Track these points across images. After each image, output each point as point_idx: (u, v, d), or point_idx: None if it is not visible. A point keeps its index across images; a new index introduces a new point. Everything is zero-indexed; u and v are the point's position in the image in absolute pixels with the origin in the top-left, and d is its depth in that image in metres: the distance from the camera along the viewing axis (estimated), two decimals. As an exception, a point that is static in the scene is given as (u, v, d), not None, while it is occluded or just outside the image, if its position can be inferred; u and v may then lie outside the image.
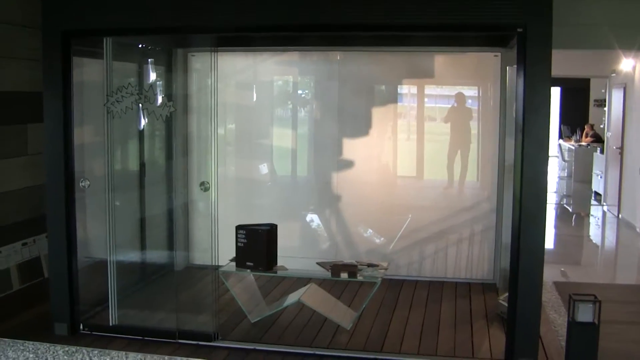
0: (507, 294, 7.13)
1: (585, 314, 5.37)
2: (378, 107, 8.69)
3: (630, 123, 12.91)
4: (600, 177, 15.33)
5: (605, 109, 15.66)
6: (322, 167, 8.80)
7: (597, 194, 15.75)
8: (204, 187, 6.57)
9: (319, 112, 8.85)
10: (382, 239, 8.66)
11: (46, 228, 6.68)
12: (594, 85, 19.00)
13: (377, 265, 6.64)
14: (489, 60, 8.18)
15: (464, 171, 8.53)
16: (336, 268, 6.46)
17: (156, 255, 8.62)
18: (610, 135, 14.45)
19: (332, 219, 8.77)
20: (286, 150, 9.08)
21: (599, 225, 13.70)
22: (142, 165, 8.18)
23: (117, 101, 6.14)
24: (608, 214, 14.02)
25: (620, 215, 13.28)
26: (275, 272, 6.57)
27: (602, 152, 15.64)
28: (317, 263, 6.79)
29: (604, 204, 14.68)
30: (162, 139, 8.56)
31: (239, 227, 6.55)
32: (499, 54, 8.04)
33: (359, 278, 6.42)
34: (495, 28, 5.95)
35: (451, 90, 8.67)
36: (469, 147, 8.49)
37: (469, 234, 8.44)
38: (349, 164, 8.63)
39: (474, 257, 8.45)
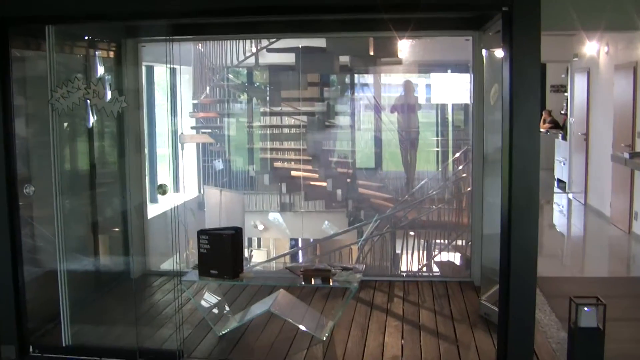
0: (489, 293, 6.75)
1: (589, 318, 4.94)
2: (340, 96, 8.21)
3: (596, 108, 12.62)
4: (564, 164, 15.07)
5: (566, 94, 15.39)
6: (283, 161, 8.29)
7: (560, 181, 15.50)
8: (162, 189, 6.01)
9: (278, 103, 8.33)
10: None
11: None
12: (550, 70, 18.71)
13: (351, 269, 6.16)
14: (459, 44, 7.73)
15: (413, 162, 8.11)
16: (308, 273, 5.97)
17: (111, 262, 8.05)
18: (574, 122, 14.17)
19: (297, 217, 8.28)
20: (242, 143, 8.54)
21: (564, 214, 13.42)
22: (92, 165, 7.56)
23: (63, 97, 5.51)
24: (574, 202, 13.75)
25: (587, 203, 13.00)
26: (242, 280, 6.04)
27: (564, 138, 15.37)
28: (287, 268, 6.30)
29: (569, 191, 14.42)
30: (114, 136, 7.96)
31: (201, 232, 6.01)
32: (470, 37, 7.60)
33: (333, 284, 5.93)
34: (477, 7, 5.48)
35: (417, 77, 8.24)
36: (418, 137, 8.07)
37: (443, 230, 8.01)
38: (312, 157, 8.14)
39: (449, 255, 8.02)
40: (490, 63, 6.68)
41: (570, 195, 14.18)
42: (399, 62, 8.21)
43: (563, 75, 16.04)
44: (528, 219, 5.06)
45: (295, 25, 7.27)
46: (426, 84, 8.35)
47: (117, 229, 8.07)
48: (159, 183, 6.00)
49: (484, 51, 6.78)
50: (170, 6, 5.42)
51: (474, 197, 7.63)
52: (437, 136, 8.15)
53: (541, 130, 17.83)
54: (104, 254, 7.92)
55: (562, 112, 16.84)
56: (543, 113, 18.40)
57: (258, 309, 6.28)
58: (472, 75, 7.60)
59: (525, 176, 5.01)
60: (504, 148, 5.11)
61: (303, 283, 5.95)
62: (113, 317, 6.75)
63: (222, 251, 5.92)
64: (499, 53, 6.85)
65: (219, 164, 9.14)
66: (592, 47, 12.30)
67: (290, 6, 5.46)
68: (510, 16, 4.97)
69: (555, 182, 15.77)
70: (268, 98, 8.69)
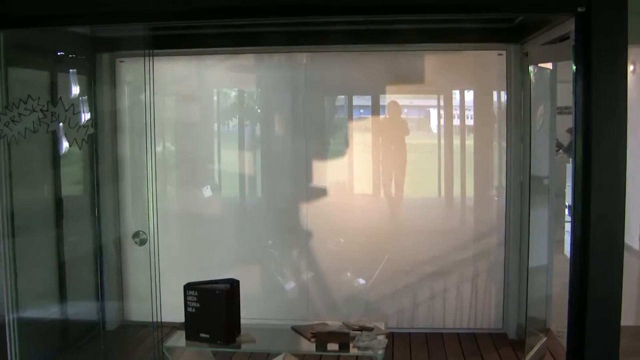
0: (533, 353, 5.68)
1: None
2: (355, 120, 7.09)
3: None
4: (577, 191, 13.96)
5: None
6: (287, 196, 7.09)
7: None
8: (139, 239, 4.87)
9: (281, 129, 7.16)
10: (363, 282, 7.05)
11: None
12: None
13: (371, 329, 5.04)
14: (489, 59, 6.67)
15: (399, 192, 7.00)
16: (321, 337, 4.84)
17: (81, 311, 6.86)
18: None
19: (301, 261, 7.10)
20: (239, 176, 7.33)
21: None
22: (59, 200, 6.41)
23: (13, 120, 4.38)
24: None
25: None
26: (239, 347, 4.90)
27: (576, 162, 14.28)
28: (293, 328, 5.16)
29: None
30: (86, 166, 6.83)
31: (188, 287, 4.87)
32: (503, 52, 6.55)
33: (354, 352, 4.79)
34: (544, 8, 4.35)
35: (441, 99, 7.12)
36: (405, 168, 6.96)
37: (470, 274, 6.91)
38: (320, 192, 7.00)
39: (477, 302, 6.91)
40: (540, 80, 5.66)
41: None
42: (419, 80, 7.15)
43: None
44: (611, 277, 3.97)
45: (301, 36, 6.29)
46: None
47: (89, 271, 6.92)
48: (135, 230, 4.88)
49: (531, 66, 5.71)
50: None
51: (510, 232, 6.60)
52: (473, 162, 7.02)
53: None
54: (73, 303, 6.74)
55: (566, 130, 15.70)
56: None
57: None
58: (506, 94, 6.57)
59: (608, 223, 3.91)
60: (576, 186, 4.02)
61: (315, 351, 4.81)
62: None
63: (214, 310, 4.80)
64: (545, 68, 5.88)
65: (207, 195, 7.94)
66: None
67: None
68: (588, 19, 3.89)
69: (567, 210, 14.66)
70: (273, 121, 7.53)
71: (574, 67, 4.05)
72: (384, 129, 6.99)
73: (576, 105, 4.02)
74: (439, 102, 7.09)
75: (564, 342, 6.45)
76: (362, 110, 7.30)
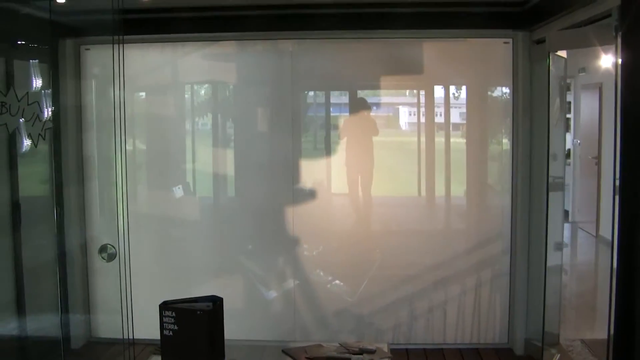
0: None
1: None
2: (346, 115, 6.49)
3: (611, 130, 11.03)
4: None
5: (567, 114, 13.89)
6: (272, 199, 6.44)
7: (558, 208, 13.93)
8: (107, 254, 4.20)
9: (265, 124, 6.51)
10: (354, 293, 6.44)
11: None
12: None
13: (373, 351, 4.41)
14: (494, 48, 6.10)
15: (366, 196, 6.45)
16: (319, 363, 4.20)
17: (43, 327, 6.18)
18: (579, 144, 12.64)
19: (287, 270, 6.46)
20: (220, 178, 6.68)
21: (566, 246, 11.78)
22: (16, 204, 5.72)
23: (-45, 113, 3.72)
24: (580, 232, 12.17)
25: (599, 234, 11.43)
26: (225, 376, 4.25)
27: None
28: (284, 351, 4.52)
29: (572, 220, 12.85)
30: (48, 166, 6.16)
31: (164, 307, 4.20)
32: (509, 40, 5.98)
33: (357, 380, 4.16)
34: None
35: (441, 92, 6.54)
36: (372, 171, 6.38)
37: (473, 284, 6.33)
38: (308, 194, 6.37)
39: (481, 315, 6.33)
40: (559, 67, 5.11)
41: (574, 225, 12.61)
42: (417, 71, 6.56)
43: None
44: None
45: (288, 21, 5.71)
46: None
47: (50, 282, 6.25)
48: (102, 244, 4.21)
49: (550, 53, 5.12)
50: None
51: (517, 237, 6.09)
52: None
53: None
54: (33, 316, 6.07)
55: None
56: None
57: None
58: (512, 87, 6.01)
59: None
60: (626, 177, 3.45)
61: (313, 379, 4.17)
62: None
63: (195, 334, 4.13)
64: (560, 56, 5.33)
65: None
66: (607, 60, 10.74)
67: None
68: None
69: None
70: (257, 116, 6.91)
71: (619, 55, 3.45)
72: (355, 127, 6.42)
73: (622, 98, 3.43)
74: (441, 95, 6.51)
75: (574, 357, 5.95)
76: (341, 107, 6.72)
